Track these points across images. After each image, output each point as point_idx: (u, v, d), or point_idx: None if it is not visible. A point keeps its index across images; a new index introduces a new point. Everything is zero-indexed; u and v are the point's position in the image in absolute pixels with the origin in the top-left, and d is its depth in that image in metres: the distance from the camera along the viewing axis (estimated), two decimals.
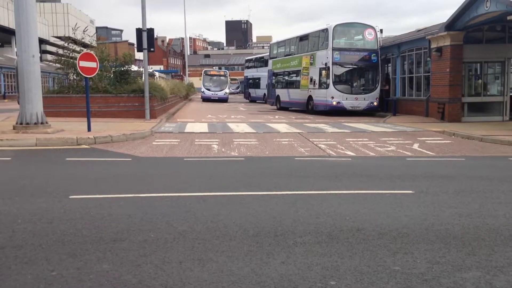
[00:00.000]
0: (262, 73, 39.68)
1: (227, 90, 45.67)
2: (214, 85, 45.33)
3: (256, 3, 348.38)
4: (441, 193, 6.63)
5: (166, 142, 12.30)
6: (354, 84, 23.71)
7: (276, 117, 22.81)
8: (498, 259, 4.06)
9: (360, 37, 24.02)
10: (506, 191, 6.94)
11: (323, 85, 23.36)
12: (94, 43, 24.37)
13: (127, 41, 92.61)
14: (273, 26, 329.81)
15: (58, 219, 5.11)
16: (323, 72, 23.25)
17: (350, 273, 3.71)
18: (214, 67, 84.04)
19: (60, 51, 22.17)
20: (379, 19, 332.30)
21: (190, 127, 16.34)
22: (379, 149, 11.66)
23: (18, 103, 13.39)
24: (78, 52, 18.70)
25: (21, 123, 12.82)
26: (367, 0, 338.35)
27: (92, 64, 13.54)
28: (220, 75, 47.22)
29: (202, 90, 45.35)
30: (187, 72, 73.96)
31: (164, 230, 4.76)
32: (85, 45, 22.28)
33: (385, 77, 25.06)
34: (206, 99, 44.72)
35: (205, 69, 51.94)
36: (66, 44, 21.44)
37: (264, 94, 37.66)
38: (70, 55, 20.78)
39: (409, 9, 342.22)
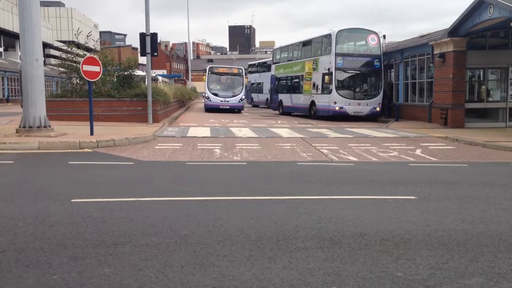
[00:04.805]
0: (265, 78, 39.65)
1: (242, 95, 31.78)
2: (224, 87, 32.05)
3: (262, 9, 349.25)
4: (444, 199, 6.60)
5: (169, 146, 12.30)
6: (357, 90, 23.69)
7: (279, 122, 22.81)
8: (501, 266, 4.04)
9: (363, 42, 24.04)
10: (509, 197, 6.92)
11: (325, 90, 23.36)
12: (98, 48, 24.42)
13: (130, 45, 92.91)
14: (277, 32, 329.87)
15: (60, 222, 5.11)
16: (326, 77, 23.25)
17: (352, 279, 3.69)
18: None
19: (64, 55, 22.19)
20: (384, 25, 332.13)
21: (193, 132, 16.34)
22: (381, 154, 11.64)
23: (22, 107, 13.44)
24: (82, 56, 18.81)
25: (24, 127, 12.85)
26: (372, 6, 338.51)
27: (96, 68, 13.58)
28: (233, 74, 32.64)
29: (205, 95, 32.30)
30: (190, 77, 74.22)
31: (166, 234, 4.75)
32: (88, 49, 22.38)
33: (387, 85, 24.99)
34: (211, 109, 31.15)
35: (210, 65, 35.96)
36: (69, 49, 21.52)
37: (267, 99, 37.67)
38: (74, 59, 20.88)
39: (414, 16, 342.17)
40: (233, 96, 31.26)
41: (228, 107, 30.91)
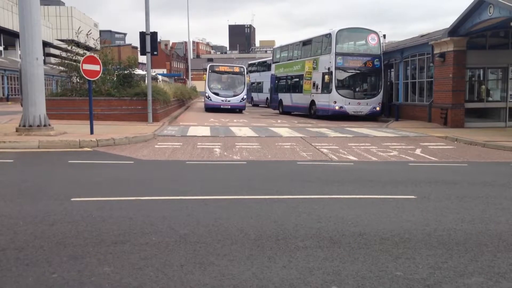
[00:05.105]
0: (264, 78, 39.64)
1: (243, 95, 30.91)
2: (225, 86, 31.21)
3: (262, 8, 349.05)
4: (444, 199, 6.61)
5: (169, 146, 12.30)
6: (357, 89, 23.70)
7: (279, 121, 22.81)
8: (501, 265, 4.04)
9: (363, 42, 24.04)
10: (509, 197, 6.92)
11: (325, 89, 23.36)
12: (98, 47, 24.42)
13: (130, 44, 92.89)
14: (278, 31, 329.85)
15: (60, 221, 5.11)
16: (326, 76, 23.26)
17: (351, 278, 3.69)
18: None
19: (64, 54, 22.18)
20: (384, 25, 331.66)
21: (193, 131, 16.34)
22: (381, 154, 11.64)
23: (21, 106, 13.43)
24: (82, 55, 18.78)
25: (24, 126, 12.84)
26: (373, 6, 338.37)
27: (96, 67, 13.57)
28: (235, 73, 31.71)
29: (206, 94, 31.15)
30: (190, 76, 74.24)
31: (166, 233, 4.75)
32: (88, 48, 22.36)
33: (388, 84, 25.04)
34: (211, 108, 30.37)
35: (211, 64, 35.20)
36: (69, 47, 21.50)
37: (267, 98, 37.66)
38: (74, 58, 20.87)
39: (414, 16, 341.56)
40: (235, 95, 30.43)
41: (229, 106, 30.12)
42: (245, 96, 31.21)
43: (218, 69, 31.89)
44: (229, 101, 30.19)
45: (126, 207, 5.78)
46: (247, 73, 33.17)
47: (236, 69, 32.02)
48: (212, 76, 31.09)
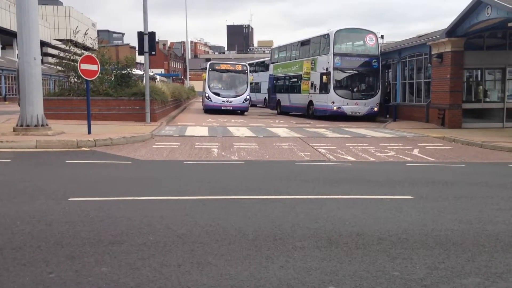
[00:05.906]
0: (263, 78, 39.60)
1: (246, 95, 28.61)
2: (226, 86, 28.97)
3: (262, 8, 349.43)
4: (441, 199, 6.62)
5: (166, 146, 12.29)
6: (355, 90, 23.72)
7: (277, 121, 22.81)
8: (498, 266, 4.05)
9: (361, 42, 24.07)
10: (506, 197, 6.93)
11: (323, 90, 23.38)
12: (96, 46, 24.43)
13: (128, 44, 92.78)
14: (277, 31, 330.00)
15: (57, 221, 5.10)
16: (324, 77, 23.26)
17: (349, 278, 3.70)
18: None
19: (62, 54, 22.15)
20: (384, 25, 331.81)
21: (191, 131, 16.33)
22: (379, 154, 11.66)
23: (19, 105, 13.40)
24: (80, 55, 18.76)
25: (21, 125, 12.82)
26: (373, 6, 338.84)
27: (93, 67, 13.56)
28: (237, 71, 29.36)
29: (206, 94, 28.62)
30: (188, 76, 74.23)
31: (163, 233, 4.75)
32: (86, 48, 22.33)
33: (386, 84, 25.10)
34: (212, 110, 28.06)
35: (211, 62, 32.28)
36: (67, 47, 21.47)
37: (265, 98, 37.64)
38: (72, 57, 20.84)
39: (414, 16, 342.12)
40: (237, 96, 28.14)
41: (231, 108, 27.79)
42: (248, 97, 28.97)
43: (219, 68, 29.40)
44: (231, 102, 27.92)
45: (124, 207, 5.78)
46: (249, 72, 31.35)
47: (239, 67, 29.52)
48: (212, 75, 28.90)
